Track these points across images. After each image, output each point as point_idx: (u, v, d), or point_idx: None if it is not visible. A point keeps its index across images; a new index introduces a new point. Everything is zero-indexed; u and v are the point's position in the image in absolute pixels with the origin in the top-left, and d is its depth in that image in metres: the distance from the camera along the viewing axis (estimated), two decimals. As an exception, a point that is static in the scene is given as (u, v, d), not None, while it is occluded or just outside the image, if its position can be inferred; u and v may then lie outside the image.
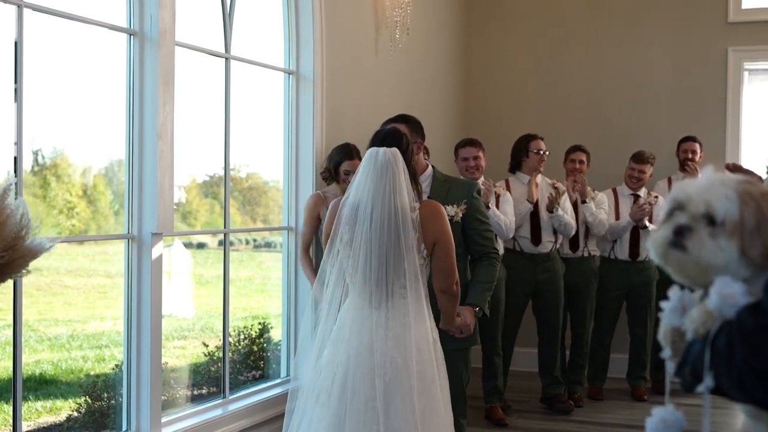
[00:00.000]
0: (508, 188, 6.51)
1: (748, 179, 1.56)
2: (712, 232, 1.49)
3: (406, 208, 3.48)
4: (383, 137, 3.64)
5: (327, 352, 3.51)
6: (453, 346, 4.03)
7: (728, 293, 1.36)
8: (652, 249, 1.58)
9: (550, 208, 6.43)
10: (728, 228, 1.48)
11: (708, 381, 1.36)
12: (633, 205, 6.87)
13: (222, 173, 5.31)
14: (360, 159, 5.12)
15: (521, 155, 6.60)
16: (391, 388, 3.38)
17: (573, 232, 6.60)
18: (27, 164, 4.02)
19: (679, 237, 1.53)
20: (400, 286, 3.47)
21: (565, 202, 6.58)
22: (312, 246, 5.43)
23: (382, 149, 3.54)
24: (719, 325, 1.36)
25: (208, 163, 5.51)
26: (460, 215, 4.29)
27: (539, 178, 6.63)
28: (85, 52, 4.54)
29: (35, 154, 4.35)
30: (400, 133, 3.68)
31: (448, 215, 4.23)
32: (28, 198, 4.40)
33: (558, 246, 6.62)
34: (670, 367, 1.51)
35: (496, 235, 6.20)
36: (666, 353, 1.55)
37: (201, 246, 7.28)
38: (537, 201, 6.49)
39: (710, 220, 1.51)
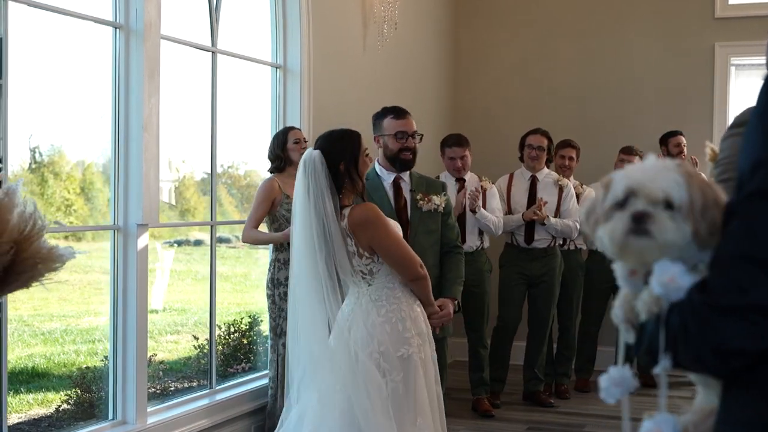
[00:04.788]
0: (510, 181, 6.56)
1: (679, 162, 1.61)
2: (671, 215, 1.51)
3: (329, 214, 3.49)
4: (318, 138, 3.66)
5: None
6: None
7: (667, 280, 1.40)
8: (607, 240, 1.55)
9: (542, 221, 6.42)
10: (683, 211, 1.51)
11: (665, 362, 1.41)
12: None
13: (220, 170, 5.35)
14: (300, 131, 5.33)
15: (522, 149, 6.64)
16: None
17: (575, 235, 6.56)
18: (25, 162, 4.06)
19: (641, 224, 1.53)
20: (334, 288, 3.53)
21: (571, 200, 6.59)
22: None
23: (308, 150, 3.58)
24: (669, 306, 1.41)
25: (206, 160, 5.53)
26: (443, 206, 4.43)
27: (543, 174, 6.61)
28: (72, 46, 4.58)
29: (33, 151, 4.39)
30: (335, 137, 3.63)
31: (435, 205, 4.38)
32: (26, 195, 4.43)
33: (557, 242, 6.60)
34: (626, 337, 1.56)
35: (481, 231, 6.26)
36: (620, 317, 1.60)
37: (198, 243, 7.30)
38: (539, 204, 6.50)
39: (668, 204, 1.52)
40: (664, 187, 1.54)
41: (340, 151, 3.56)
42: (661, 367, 1.43)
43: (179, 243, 6.84)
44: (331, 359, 3.52)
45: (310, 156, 3.52)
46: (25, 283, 2.59)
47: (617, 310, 1.62)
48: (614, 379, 1.55)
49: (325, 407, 3.47)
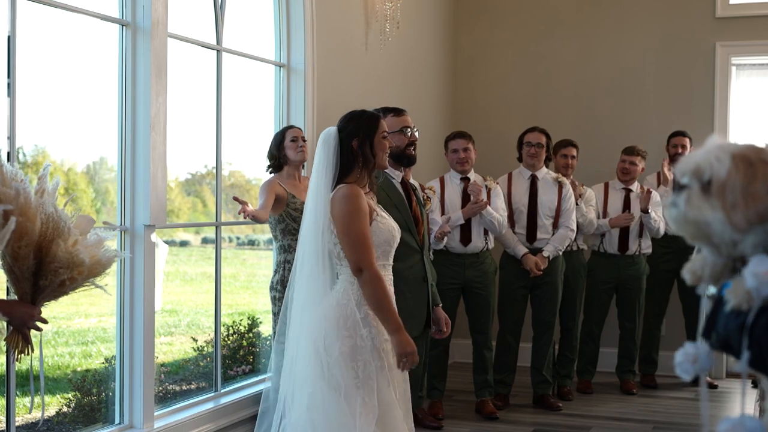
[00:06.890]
0: (510, 181, 6.49)
1: (757, 147, 1.57)
2: (703, 190, 1.52)
3: (324, 188, 3.44)
4: (342, 118, 3.60)
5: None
6: None
7: (763, 273, 1.37)
8: (665, 213, 1.63)
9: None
10: (715, 188, 1.50)
11: (743, 365, 1.38)
12: (641, 198, 6.84)
13: (205, 171, 5.28)
14: (300, 130, 5.22)
15: (520, 147, 6.58)
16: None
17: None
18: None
19: (676, 195, 1.57)
20: (317, 265, 3.45)
21: (570, 200, 6.52)
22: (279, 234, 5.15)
23: (327, 128, 3.54)
24: (758, 309, 1.37)
25: (191, 160, 5.46)
26: None
27: (542, 173, 6.50)
28: (76, 43, 4.51)
29: (17, 152, 4.31)
30: (353, 116, 3.57)
31: (432, 204, 4.39)
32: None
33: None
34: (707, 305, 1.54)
35: (487, 231, 6.20)
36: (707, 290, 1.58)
37: (184, 244, 7.25)
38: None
39: (701, 179, 1.54)
40: (696, 161, 1.55)
41: (355, 128, 3.49)
42: (742, 368, 1.40)
43: (165, 244, 6.77)
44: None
45: (328, 132, 3.51)
46: (62, 291, 2.50)
47: (693, 265, 1.60)
48: (690, 355, 1.52)
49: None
